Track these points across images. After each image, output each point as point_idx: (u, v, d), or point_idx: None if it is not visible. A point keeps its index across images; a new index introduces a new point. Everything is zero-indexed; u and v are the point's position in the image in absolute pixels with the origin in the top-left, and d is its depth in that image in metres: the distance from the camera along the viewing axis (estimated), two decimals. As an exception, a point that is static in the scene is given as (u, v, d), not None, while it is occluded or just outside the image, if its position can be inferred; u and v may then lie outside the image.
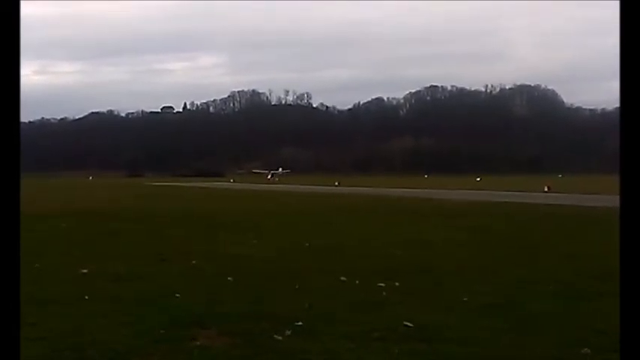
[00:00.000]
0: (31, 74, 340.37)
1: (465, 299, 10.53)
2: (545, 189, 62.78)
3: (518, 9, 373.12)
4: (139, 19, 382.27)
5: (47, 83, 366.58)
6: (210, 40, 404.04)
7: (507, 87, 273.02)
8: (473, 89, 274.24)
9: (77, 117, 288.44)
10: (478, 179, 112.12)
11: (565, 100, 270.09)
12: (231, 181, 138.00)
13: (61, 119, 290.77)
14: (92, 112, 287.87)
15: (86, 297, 10.71)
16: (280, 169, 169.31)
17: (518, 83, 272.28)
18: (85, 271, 13.56)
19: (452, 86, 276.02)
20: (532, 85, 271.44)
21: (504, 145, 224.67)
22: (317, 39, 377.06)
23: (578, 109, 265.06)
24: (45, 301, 10.36)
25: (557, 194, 53.70)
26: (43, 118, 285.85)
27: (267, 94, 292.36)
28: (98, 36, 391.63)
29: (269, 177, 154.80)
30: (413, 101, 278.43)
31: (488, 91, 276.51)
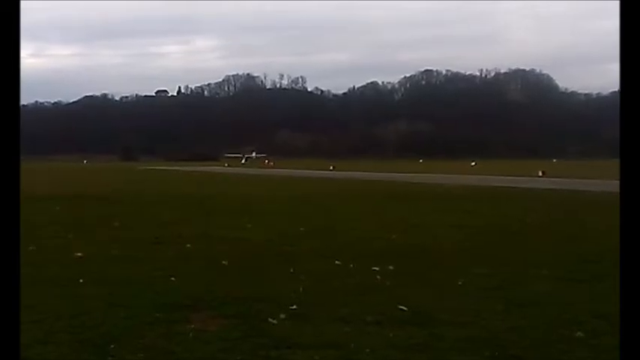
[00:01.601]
0: (26, 57, 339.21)
1: (459, 282, 10.54)
2: (540, 173, 62.85)
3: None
4: (135, 2, 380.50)
5: (42, 66, 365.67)
6: (205, 23, 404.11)
7: (502, 71, 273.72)
8: (468, 73, 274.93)
9: (71, 100, 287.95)
10: (473, 164, 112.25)
11: (560, 84, 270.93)
12: (226, 165, 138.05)
13: (55, 103, 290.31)
14: (86, 96, 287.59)
15: (81, 280, 10.69)
16: (254, 154, 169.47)
17: (513, 68, 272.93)
18: (79, 254, 13.55)
19: (447, 70, 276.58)
20: (527, 69, 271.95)
21: (499, 129, 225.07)
22: (312, 23, 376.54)
23: (573, 93, 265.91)
24: (40, 283, 10.35)
25: (551, 179, 53.77)
26: (37, 101, 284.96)
27: (262, 78, 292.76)
28: (94, 18, 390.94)
29: (242, 161, 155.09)
30: (408, 85, 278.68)
31: (483, 75, 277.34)
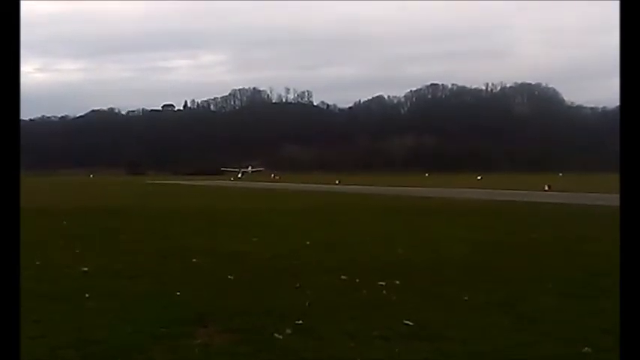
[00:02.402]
0: (33, 72, 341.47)
1: (465, 298, 10.51)
2: (546, 188, 62.72)
3: (520, 6, 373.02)
4: (142, 16, 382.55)
5: (49, 81, 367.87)
6: (213, 38, 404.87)
7: (508, 85, 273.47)
8: (473, 87, 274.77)
9: (78, 115, 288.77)
10: (479, 178, 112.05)
11: (566, 98, 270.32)
12: (232, 179, 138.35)
13: (62, 117, 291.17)
14: (93, 110, 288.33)
15: (87, 295, 10.70)
16: (250, 168, 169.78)
17: (519, 81, 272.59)
18: (85, 268, 13.56)
19: (452, 84, 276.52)
20: (533, 83, 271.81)
21: (505, 143, 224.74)
22: (318, 37, 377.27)
23: (579, 107, 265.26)
24: (46, 298, 10.39)
25: (557, 193, 53.64)
26: (44, 115, 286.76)
27: (268, 92, 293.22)
28: (101, 33, 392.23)
29: (239, 175, 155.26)
30: (414, 99, 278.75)
31: (489, 89, 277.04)
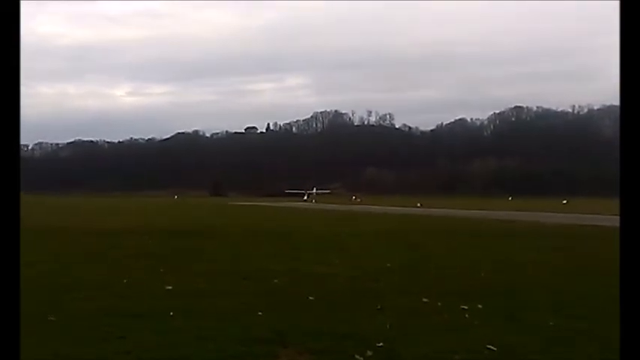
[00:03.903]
0: (124, 95, 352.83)
1: (551, 323, 10.26)
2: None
3: (607, 28, 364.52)
4: (226, 40, 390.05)
5: (138, 104, 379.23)
6: (296, 61, 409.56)
7: (595, 107, 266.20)
8: (559, 110, 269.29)
9: (164, 137, 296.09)
10: (564, 202, 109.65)
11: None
12: (313, 201, 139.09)
13: (149, 139, 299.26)
14: (179, 132, 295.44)
15: (171, 313, 10.88)
16: (315, 190, 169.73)
17: (607, 104, 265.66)
18: (169, 287, 13.80)
19: (537, 107, 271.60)
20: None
21: (591, 166, 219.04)
22: (400, 60, 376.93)
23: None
24: (131, 315, 10.62)
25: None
26: (132, 137, 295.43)
27: (350, 114, 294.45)
28: (187, 57, 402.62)
29: (305, 197, 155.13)
30: (497, 122, 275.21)
31: (576, 111, 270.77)
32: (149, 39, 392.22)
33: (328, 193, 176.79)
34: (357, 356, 8.19)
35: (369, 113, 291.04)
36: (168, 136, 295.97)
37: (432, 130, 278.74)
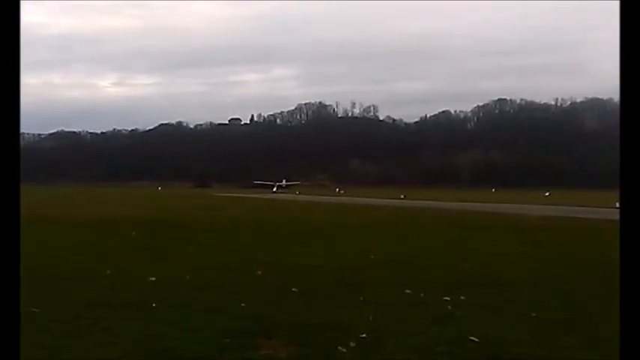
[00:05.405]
0: (108, 86, 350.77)
1: (533, 314, 10.34)
2: (617, 205, 61.29)
3: (592, 24, 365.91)
4: (217, 31, 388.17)
5: (122, 95, 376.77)
6: (283, 52, 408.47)
7: (578, 100, 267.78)
8: (542, 102, 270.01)
9: (148, 128, 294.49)
10: (547, 194, 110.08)
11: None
12: (297, 193, 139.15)
13: (132, 130, 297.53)
14: (162, 124, 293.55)
15: (154, 304, 10.88)
16: (284, 181, 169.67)
17: (590, 97, 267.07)
18: (153, 278, 13.79)
19: (521, 99, 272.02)
20: (604, 98, 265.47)
21: (574, 159, 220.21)
22: (384, 52, 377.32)
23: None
24: (115, 307, 10.62)
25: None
26: (115, 128, 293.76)
27: (334, 106, 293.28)
28: (172, 49, 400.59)
29: (274, 189, 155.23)
30: (481, 114, 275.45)
31: (559, 104, 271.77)
32: (136, 29, 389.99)
33: (297, 184, 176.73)
34: (340, 347, 8.23)
35: (353, 105, 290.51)
36: (151, 127, 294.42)
37: (416, 122, 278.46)
